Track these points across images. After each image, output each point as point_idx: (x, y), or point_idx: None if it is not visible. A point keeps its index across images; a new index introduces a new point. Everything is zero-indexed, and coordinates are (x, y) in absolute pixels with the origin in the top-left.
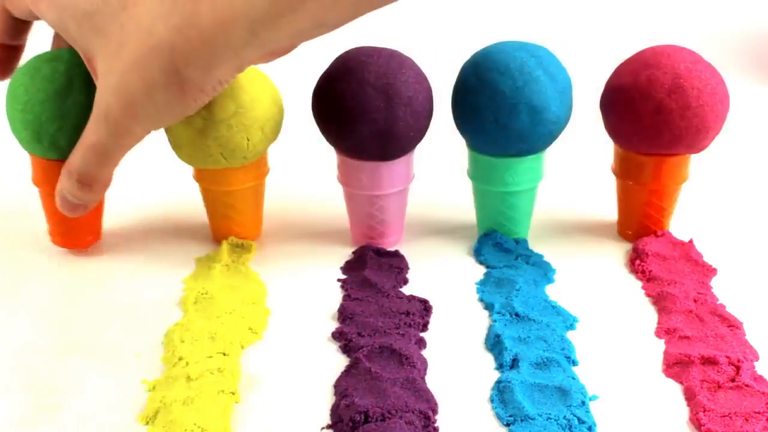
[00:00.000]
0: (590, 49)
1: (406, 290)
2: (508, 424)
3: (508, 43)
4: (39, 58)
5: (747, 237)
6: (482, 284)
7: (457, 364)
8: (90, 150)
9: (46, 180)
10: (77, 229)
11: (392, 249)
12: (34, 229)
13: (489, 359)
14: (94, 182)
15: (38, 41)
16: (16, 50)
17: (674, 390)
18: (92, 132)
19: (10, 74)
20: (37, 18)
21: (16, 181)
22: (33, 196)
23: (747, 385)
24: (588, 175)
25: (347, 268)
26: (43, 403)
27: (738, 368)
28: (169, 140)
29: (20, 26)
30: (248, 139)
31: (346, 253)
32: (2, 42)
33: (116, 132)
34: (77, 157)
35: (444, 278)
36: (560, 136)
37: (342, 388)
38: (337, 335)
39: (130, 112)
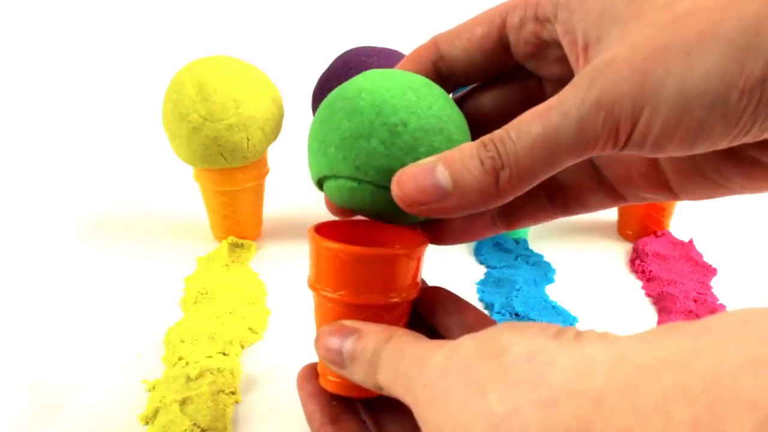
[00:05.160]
0: None
1: None
2: None
3: None
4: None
5: (747, 237)
6: (482, 284)
7: None
8: (545, 115)
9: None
10: None
11: None
12: (34, 230)
13: None
14: (520, 174)
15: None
16: None
17: None
18: (565, 101)
19: None
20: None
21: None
22: (23, 198)
23: None
24: None
25: None
26: (43, 403)
27: None
28: (169, 140)
29: None
30: (248, 139)
31: None
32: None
33: (594, 111)
34: (523, 126)
35: (444, 278)
36: None
37: None
38: None
39: (651, 83)
